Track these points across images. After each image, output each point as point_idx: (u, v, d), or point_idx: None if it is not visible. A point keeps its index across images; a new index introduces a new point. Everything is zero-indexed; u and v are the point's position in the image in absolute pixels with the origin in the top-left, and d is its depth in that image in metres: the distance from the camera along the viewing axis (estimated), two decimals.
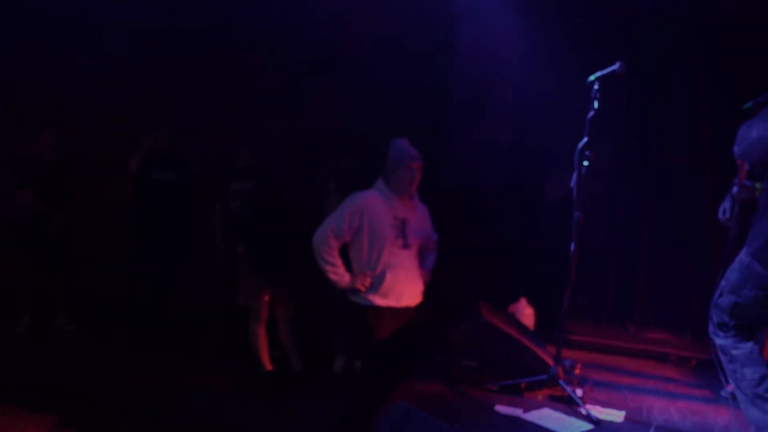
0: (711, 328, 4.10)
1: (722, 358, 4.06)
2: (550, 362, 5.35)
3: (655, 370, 6.19)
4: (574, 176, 5.19)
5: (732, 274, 3.98)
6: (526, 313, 6.49)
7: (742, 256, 3.97)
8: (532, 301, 6.56)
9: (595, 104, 5.09)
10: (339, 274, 4.51)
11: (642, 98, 7.01)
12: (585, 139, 5.13)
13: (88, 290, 6.97)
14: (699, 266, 6.69)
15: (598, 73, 5.11)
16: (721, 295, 4.02)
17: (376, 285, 4.52)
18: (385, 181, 4.60)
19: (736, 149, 4.07)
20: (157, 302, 6.81)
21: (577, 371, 5.73)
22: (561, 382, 5.21)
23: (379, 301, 4.53)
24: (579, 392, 5.19)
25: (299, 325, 5.64)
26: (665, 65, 6.89)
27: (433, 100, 6.96)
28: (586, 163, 5.13)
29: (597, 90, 5.10)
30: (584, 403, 5.03)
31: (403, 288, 4.59)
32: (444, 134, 7.04)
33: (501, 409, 4.98)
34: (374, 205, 4.51)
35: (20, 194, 6.51)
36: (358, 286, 4.50)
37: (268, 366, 5.44)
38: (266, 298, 5.39)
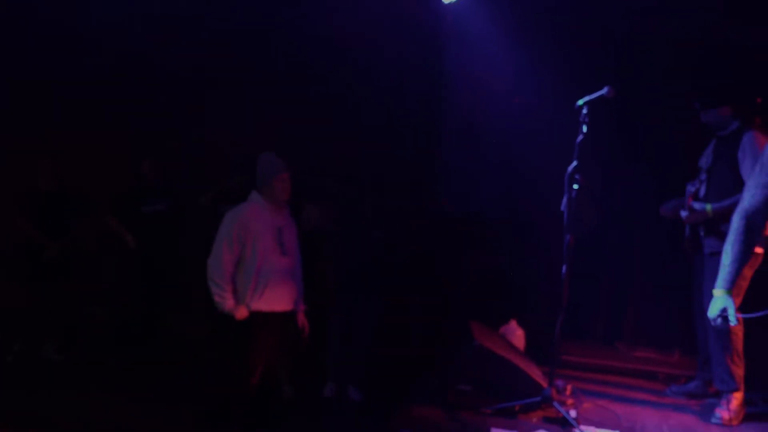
0: None
1: None
2: (543, 384, 5.39)
3: (646, 388, 6.24)
4: (564, 200, 5.27)
5: None
6: (517, 334, 6.54)
7: None
8: (522, 323, 6.62)
9: (584, 128, 5.18)
10: (224, 298, 4.62)
11: (631, 121, 7.08)
12: (575, 163, 5.21)
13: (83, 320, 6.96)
14: (686, 286, 6.77)
15: (587, 98, 5.20)
16: None
17: (257, 290, 4.65)
18: (260, 193, 4.77)
19: None
20: (150, 332, 6.83)
21: (568, 392, 5.77)
22: (555, 403, 5.25)
23: (254, 305, 4.65)
24: (573, 413, 5.24)
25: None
26: (654, 88, 6.98)
27: (424, 126, 7.02)
28: (576, 186, 5.20)
29: (585, 114, 5.19)
30: (578, 423, 5.07)
31: (281, 294, 4.73)
32: (436, 159, 7.11)
33: None
34: (254, 216, 4.68)
35: (16, 222, 6.51)
36: (237, 315, 4.61)
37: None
38: None
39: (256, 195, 4.79)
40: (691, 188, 5.64)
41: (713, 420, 5.33)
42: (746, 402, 5.40)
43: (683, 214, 5.65)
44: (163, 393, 5.65)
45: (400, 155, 6.86)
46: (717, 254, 5.38)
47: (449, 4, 6.71)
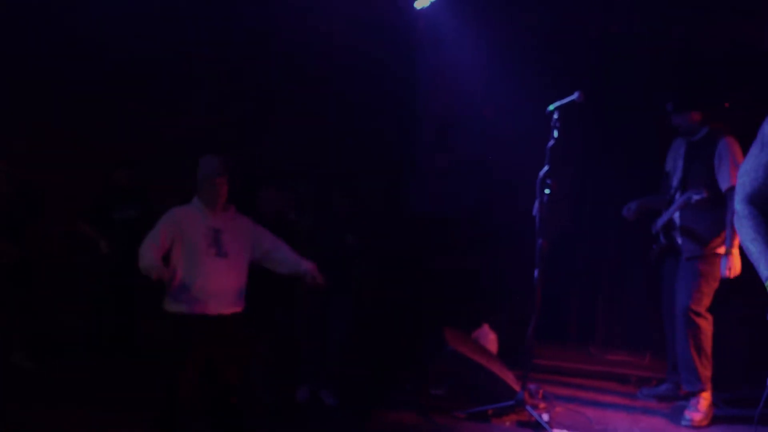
0: None
1: None
2: (517, 387, 5.42)
3: (618, 391, 6.29)
4: (536, 204, 5.31)
5: None
6: (489, 338, 6.56)
7: None
8: (495, 327, 6.65)
9: (555, 133, 5.23)
10: (152, 266, 4.51)
11: (603, 124, 7.14)
12: (546, 168, 5.25)
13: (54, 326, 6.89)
14: (656, 288, 6.84)
15: (558, 103, 5.24)
16: None
17: (186, 291, 4.60)
18: (198, 197, 4.76)
19: None
20: (123, 338, 6.78)
21: (540, 395, 5.81)
22: (528, 407, 5.27)
23: (186, 307, 4.60)
24: (545, 417, 5.27)
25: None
26: (627, 91, 7.05)
27: (398, 129, 7.04)
28: (547, 191, 5.24)
29: (557, 119, 5.23)
30: (551, 427, 5.11)
31: (214, 295, 4.65)
32: (410, 162, 7.12)
33: None
34: (187, 216, 4.68)
35: None
36: (154, 274, 4.49)
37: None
38: None
39: (195, 199, 4.77)
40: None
41: (683, 422, 5.39)
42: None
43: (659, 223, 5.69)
44: (132, 402, 5.58)
45: (373, 157, 6.86)
46: (694, 258, 5.48)
47: (422, 9, 6.73)
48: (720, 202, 5.35)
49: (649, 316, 6.88)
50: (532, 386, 5.72)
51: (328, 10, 6.78)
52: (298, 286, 5.87)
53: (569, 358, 6.93)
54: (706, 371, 5.46)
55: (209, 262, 4.63)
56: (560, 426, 5.24)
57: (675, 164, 5.76)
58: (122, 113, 7.32)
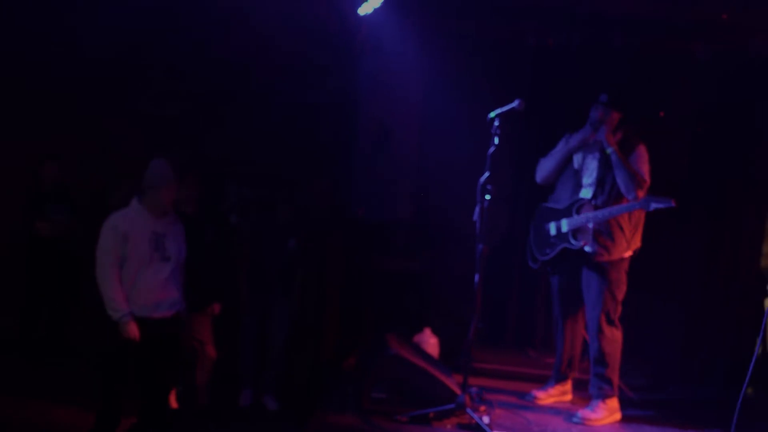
0: None
1: None
2: (458, 391, 5.47)
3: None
4: (477, 210, 5.38)
5: None
6: (431, 342, 6.61)
7: None
8: (436, 331, 6.71)
9: (496, 140, 5.32)
10: (116, 308, 4.50)
11: (541, 130, 7.25)
12: (487, 174, 5.33)
13: None
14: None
15: (498, 110, 5.33)
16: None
17: (134, 297, 4.57)
18: (139, 200, 4.69)
19: None
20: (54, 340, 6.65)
21: (482, 397, 5.87)
22: (468, 410, 5.33)
23: (136, 311, 4.55)
24: (486, 419, 5.33)
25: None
26: (563, 96, 7.18)
27: (339, 133, 7.04)
28: (488, 197, 5.32)
29: (497, 126, 5.32)
30: (491, 429, 5.17)
31: (161, 299, 4.66)
32: (350, 166, 7.14)
33: None
34: (131, 224, 4.60)
35: None
36: (125, 331, 4.48)
37: (174, 403, 5.40)
38: None
39: (135, 202, 4.69)
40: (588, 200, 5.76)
41: (574, 419, 5.64)
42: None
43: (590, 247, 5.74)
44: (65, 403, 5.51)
45: (315, 161, 6.87)
46: (605, 264, 5.61)
47: (364, 15, 6.76)
48: None
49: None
50: (473, 389, 5.79)
51: (270, 14, 6.76)
52: (239, 285, 5.88)
53: (509, 362, 7.01)
54: (616, 376, 5.74)
55: (155, 266, 4.62)
56: (500, 428, 5.31)
57: (586, 164, 5.83)
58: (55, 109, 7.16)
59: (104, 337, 4.60)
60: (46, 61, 7.10)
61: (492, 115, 5.35)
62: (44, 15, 7.06)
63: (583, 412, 5.64)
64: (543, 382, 6.30)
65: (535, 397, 6.09)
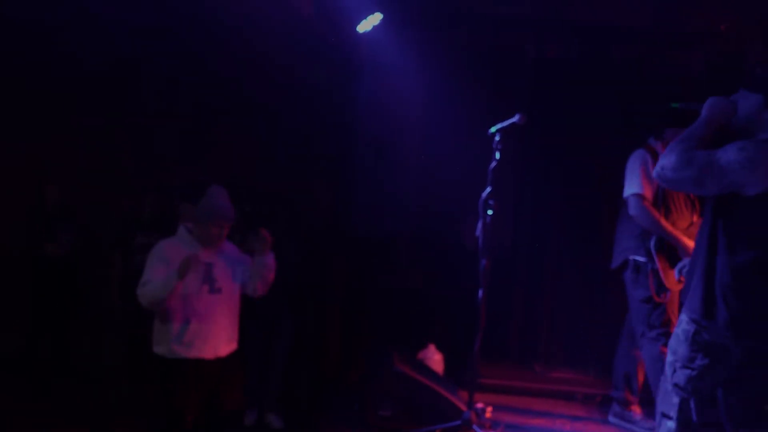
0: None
1: None
2: (463, 407, 5.44)
3: (563, 409, 6.35)
4: (479, 225, 5.37)
5: (679, 347, 3.36)
6: (435, 359, 6.58)
7: (684, 324, 3.36)
8: (440, 347, 6.68)
9: (497, 155, 5.30)
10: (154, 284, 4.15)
11: (542, 145, 7.24)
12: (488, 189, 5.31)
13: None
14: (599, 305, 6.96)
15: (499, 125, 5.32)
16: (674, 372, 3.37)
17: (180, 335, 4.21)
18: (188, 230, 4.35)
19: None
20: (59, 359, 6.64)
21: (488, 415, 5.83)
22: (475, 427, 5.30)
23: (183, 352, 4.21)
24: None
25: None
26: (566, 111, 7.16)
27: (339, 150, 7.05)
28: (490, 212, 5.30)
29: (498, 141, 5.31)
30: None
31: (210, 337, 4.27)
32: (349, 184, 7.13)
33: None
34: (179, 253, 4.18)
35: None
36: (187, 262, 4.09)
37: None
38: None
39: (183, 231, 4.35)
40: None
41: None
42: None
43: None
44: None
45: (314, 179, 6.87)
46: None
47: (364, 33, 6.78)
48: None
49: (593, 332, 7.00)
50: (479, 406, 5.75)
51: (269, 31, 6.78)
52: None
53: (515, 377, 6.98)
54: None
55: (204, 300, 4.25)
56: None
57: None
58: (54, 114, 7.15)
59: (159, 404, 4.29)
60: (46, 76, 7.11)
61: (493, 130, 5.34)
62: (40, 33, 7.07)
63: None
64: (549, 396, 6.25)
65: None
